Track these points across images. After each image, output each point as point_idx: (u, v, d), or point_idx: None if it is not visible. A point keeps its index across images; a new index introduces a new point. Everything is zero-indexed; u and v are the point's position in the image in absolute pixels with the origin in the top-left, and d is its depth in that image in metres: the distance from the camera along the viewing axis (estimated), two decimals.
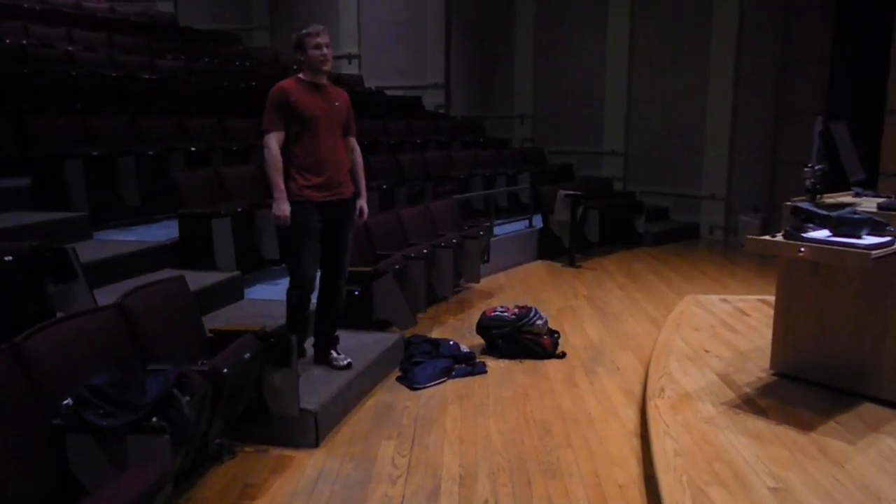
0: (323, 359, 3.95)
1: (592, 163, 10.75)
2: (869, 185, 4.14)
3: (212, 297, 4.35)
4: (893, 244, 3.07)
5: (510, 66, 11.64)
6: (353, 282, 4.52)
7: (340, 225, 3.80)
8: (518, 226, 8.03)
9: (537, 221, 8.06)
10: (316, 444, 3.39)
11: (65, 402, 2.31)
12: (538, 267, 7.68)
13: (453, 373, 4.34)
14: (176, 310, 3.20)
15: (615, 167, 10.69)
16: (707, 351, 4.34)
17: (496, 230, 7.41)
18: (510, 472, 3.15)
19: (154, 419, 2.33)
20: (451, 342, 4.65)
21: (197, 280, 4.10)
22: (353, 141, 3.91)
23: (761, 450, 3.02)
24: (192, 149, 6.05)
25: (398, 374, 4.35)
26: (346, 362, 3.91)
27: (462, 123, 10.69)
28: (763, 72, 9.16)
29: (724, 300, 5.62)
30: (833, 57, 7.61)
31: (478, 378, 4.34)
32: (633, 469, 3.18)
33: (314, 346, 4.01)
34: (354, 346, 4.17)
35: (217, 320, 3.97)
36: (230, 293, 4.60)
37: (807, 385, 3.67)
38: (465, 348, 4.61)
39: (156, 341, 2.91)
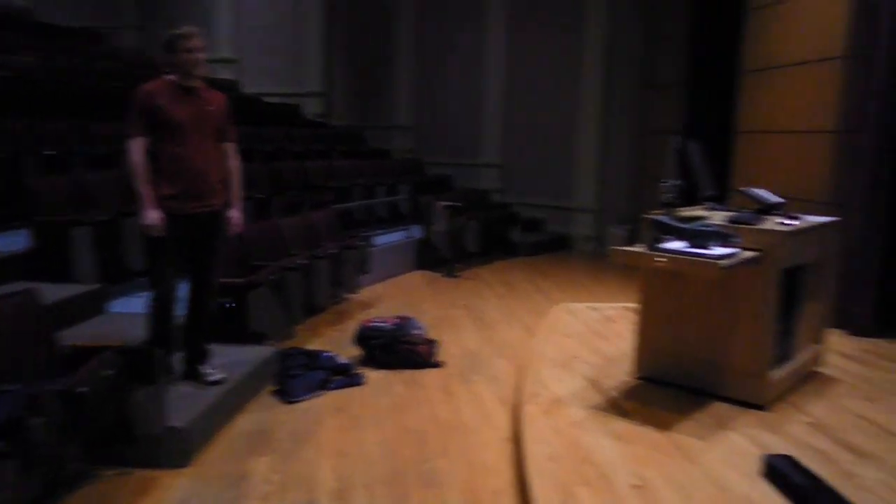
0: (193, 374, 3.79)
1: (471, 174, 10.97)
2: (721, 200, 4.47)
3: (70, 310, 4.09)
4: (740, 255, 3.34)
5: (391, 77, 11.70)
6: (227, 293, 4.39)
7: (209, 237, 3.67)
8: (398, 236, 8.06)
9: (416, 232, 8.13)
10: (184, 464, 3.25)
11: None
12: (418, 277, 7.74)
13: (330, 385, 4.29)
14: (25, 325, 2.97)
15: (492, 179, 10.96)
16: (577, 357, 4.52)
17: (376, 241, 7.40)
18: (387, 484, 3.15)
19: None
20: (329, 354, 4.59)
21: (53, 293, 3.85)
22: (231, 147, 3.78)
23: (625, 450, 3.17)
24: (50, 153, 5.66)
25: (274, 387, 4.24)
26: (217, 377, 3.77)
27: (342, 133, 10.62)
28: (629, 91, 9.71)
29: (594, 308, 5.88)
30: (689, 81, 8.17)
31: (355, 389, 4.31)
32: (508, 475, 3.26)
33: (184, 360, 3.84)
34: (228, 361, 4.03)
35: (76, 336, 3.72)
36: (90, 307, 4.34)
37: (666, 387, 3.90)
38: (342, 359, 4.56)
39: (1, 359, 2.69)
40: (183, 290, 3.74)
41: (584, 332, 5.12)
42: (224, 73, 10.32)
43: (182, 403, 3.45)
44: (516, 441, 3.52)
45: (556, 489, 2.82)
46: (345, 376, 4.42)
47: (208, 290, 3.77)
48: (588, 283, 7.76)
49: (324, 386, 4.25)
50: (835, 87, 5.34)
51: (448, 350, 5.07)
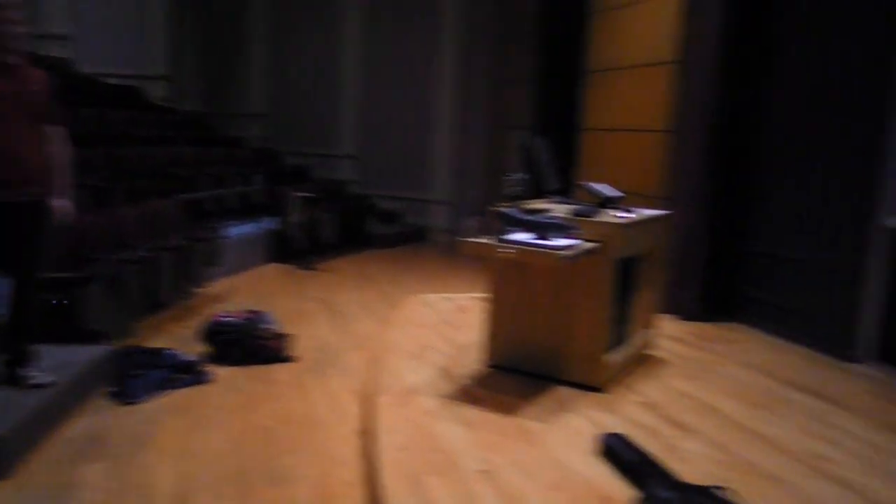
0: (14, 378, 3.47)
1: (328, 165, 10.83)
2: (565, 194, 4.68)
3: None
4: (580, 246, 3.51)
5: (246, 63, 11.30)
6: (57, 289, 4.07)
7: (28, 228, 3.38)
8: (250, 228, 7.80)
9: (270, 224, 7.91)
10: (4, 475, 2.97)
11: None
12: (272, 270, 7.55)
13: (174, 384, 4.08)
14: None
15: (350, 170, 10.88)
16: (430, 347, 4.58)
17: (228, 232, 7.13)
18: (232, 484, 3.05)
19: None
20: (172, 351, 4.37)
21: None
22: (57, 130, 3.48)
23: (474, 436, 3.26)
24: None
25: (111, 389, 3.98)
26: (43, 380, 3.48)
27: (191, 119, 10.12)
28: (483, 88, 9.94)
29: (448, 298, 5.99)
30: (538, 79, 8.48)
31: (201, 388, 4.13)
32: (359, 467, 3.25)
33: (4, 363, 3.51)
34: (59, 362, 3.74)
35: None
36: None
37: (515, 374, 4.04)
38: (187, 357, 4.36)
39: None
40: (2, 286, 3.41)
41: (438, 323, 5.20)
42: (55, 51, 9.49)
43: (1, 410, 3.16)
44: (368, 433, 3.52)
45: (406, 478, 2.85)
46: (190, 374, 4.22)
47: (30, 286, 3.47)
48: (444, 274, 7.89)
49: (166, 385, 4.04)
50: (666, 89, 5.76)
51: (301, 344, 4.97)
